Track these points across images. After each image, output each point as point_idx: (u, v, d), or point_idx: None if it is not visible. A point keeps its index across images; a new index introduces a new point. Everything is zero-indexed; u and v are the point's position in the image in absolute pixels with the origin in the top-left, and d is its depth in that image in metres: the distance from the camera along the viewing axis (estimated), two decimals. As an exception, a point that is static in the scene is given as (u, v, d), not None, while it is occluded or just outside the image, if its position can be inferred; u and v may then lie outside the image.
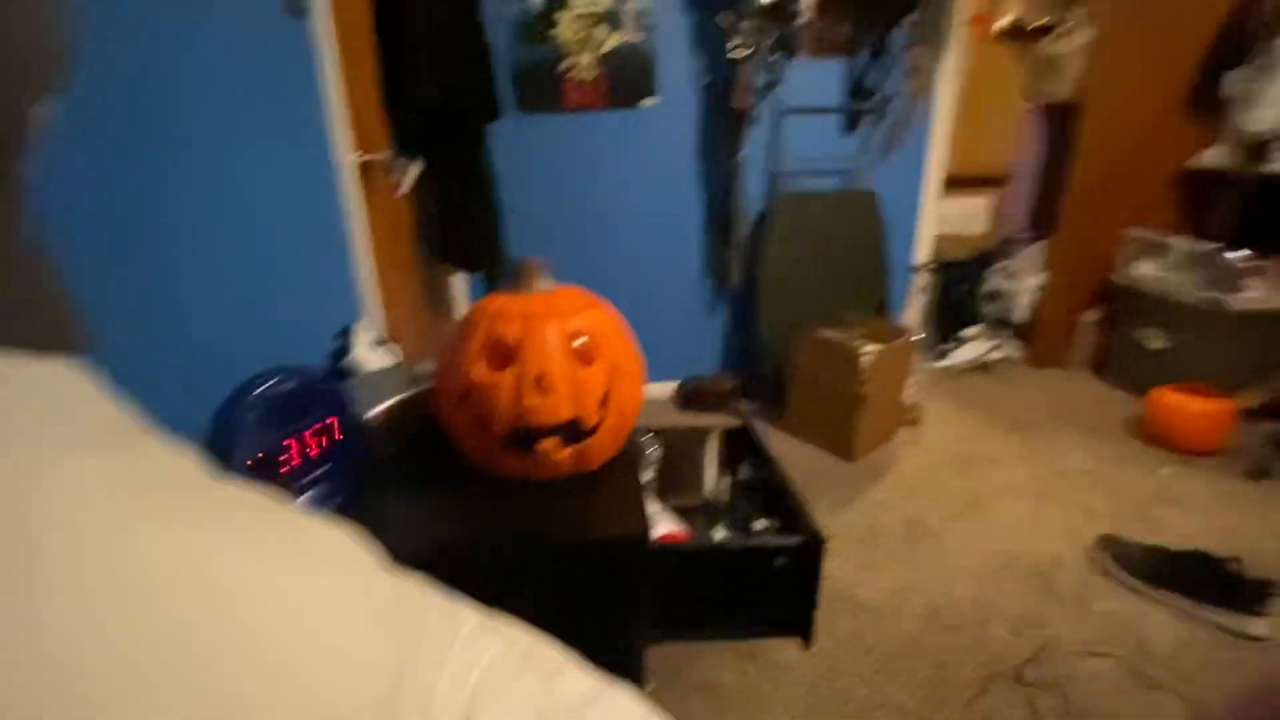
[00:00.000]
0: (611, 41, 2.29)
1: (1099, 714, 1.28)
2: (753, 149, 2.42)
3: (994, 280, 3.01)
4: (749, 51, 2.19)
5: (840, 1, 2.24)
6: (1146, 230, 2.62)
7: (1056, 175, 2.82)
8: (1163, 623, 1.50)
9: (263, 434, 0.91)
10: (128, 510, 0.19)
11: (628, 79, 2.34)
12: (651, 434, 1.75)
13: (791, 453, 2.26)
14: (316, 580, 0.22)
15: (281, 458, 0.92)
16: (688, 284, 2.68)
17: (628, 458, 1.11)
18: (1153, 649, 1.42)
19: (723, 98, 2.33)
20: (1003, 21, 2.82)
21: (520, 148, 2.37)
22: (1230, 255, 2.32)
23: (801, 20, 2.20)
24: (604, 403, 0.99)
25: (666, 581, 1.38)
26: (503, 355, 0.96)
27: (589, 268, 2.55)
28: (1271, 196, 2.39)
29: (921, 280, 2.71)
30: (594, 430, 0.99)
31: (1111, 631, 1.48)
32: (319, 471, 0.97)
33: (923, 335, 2.77)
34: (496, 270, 2.26)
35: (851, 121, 2.47)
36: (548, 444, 0.97)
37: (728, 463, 1.82)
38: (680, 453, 1.77)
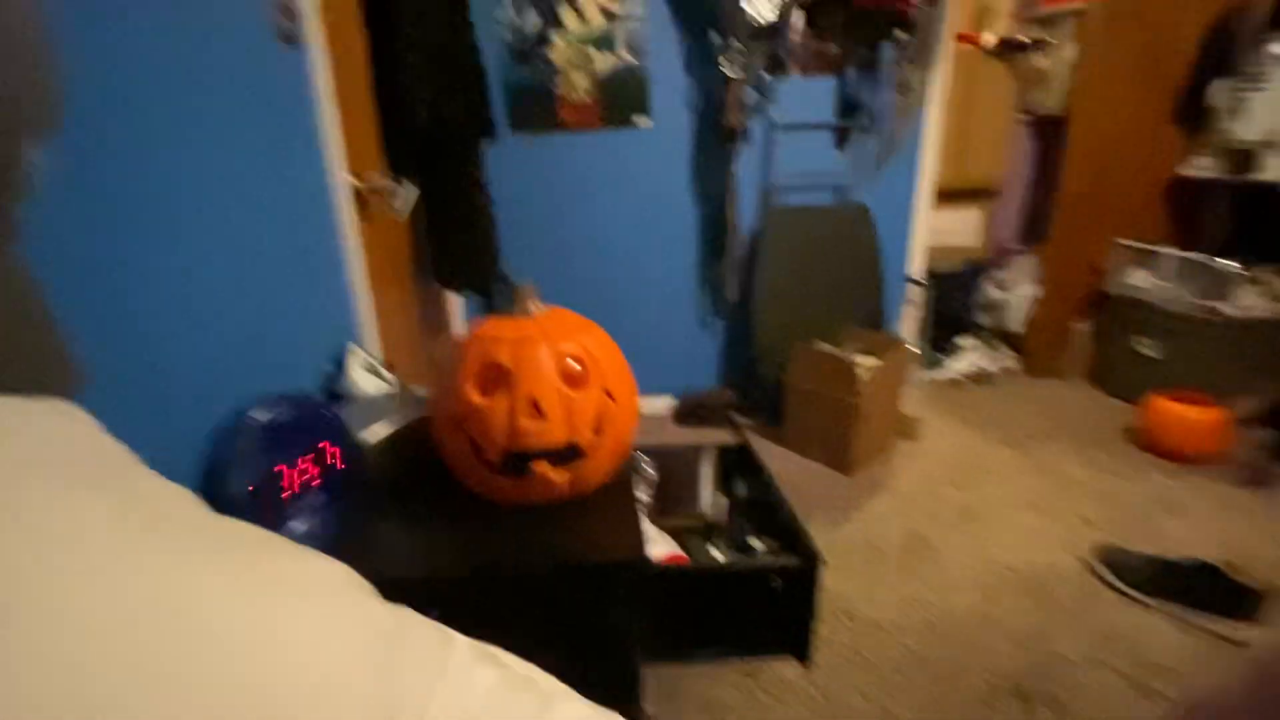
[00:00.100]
0: (605, 63, 2.33)
1: (1099, 726, 1.28)
2: (746, 166, 2.45)
3: (987, 291, 3.03)
4: (740, 71, 2.23)
5: (829, 21, 2.27)
6: (1136, 240, 2.65)
7: (1047, 187, 2.86)
8: (1162, 632, 1.50)
9: (260, 461, 0.92)
10: (119, 548, 0.19)
11: (621, 99, 2.38)
12: (647, 453, 1.76)
13: (789, 466, 2.26)
14: (306, 616, 0.23)
15: (280, 485, 0.93)
16: (684, 299, 2.70)
17: (623, 480, 1.11)
18: (1152, 658, 1.43)
19: (715, 116, 2.36)
20: (990, 37, 2.87)
21: (515, 168, 2.40)
22: (1220, 263, 2.35)
23: (791, 40, 2.24)
24: (598, 425, 1.00)
25: (664, 603, 1.38)
26: (496, 379, 0.97)
27: (586, 285, 2.58)
28: (1259, 205, 2.42)
29: (915, 292, 2.73)
30: (588, 453, 1.00)
31: (1111, 641, 1.48)
32: (317, 498, 0.98)
33: (918, 347, 2.79)
34: (492, 290, 2.28)
35: (843, 137, 2.50)
36: (542, 467, 0.98)
37: (724, 480, 1.83)
38: (676, 471, 1.77)
